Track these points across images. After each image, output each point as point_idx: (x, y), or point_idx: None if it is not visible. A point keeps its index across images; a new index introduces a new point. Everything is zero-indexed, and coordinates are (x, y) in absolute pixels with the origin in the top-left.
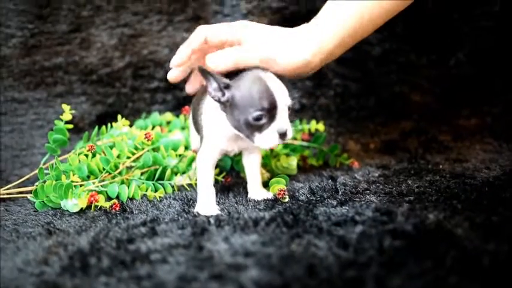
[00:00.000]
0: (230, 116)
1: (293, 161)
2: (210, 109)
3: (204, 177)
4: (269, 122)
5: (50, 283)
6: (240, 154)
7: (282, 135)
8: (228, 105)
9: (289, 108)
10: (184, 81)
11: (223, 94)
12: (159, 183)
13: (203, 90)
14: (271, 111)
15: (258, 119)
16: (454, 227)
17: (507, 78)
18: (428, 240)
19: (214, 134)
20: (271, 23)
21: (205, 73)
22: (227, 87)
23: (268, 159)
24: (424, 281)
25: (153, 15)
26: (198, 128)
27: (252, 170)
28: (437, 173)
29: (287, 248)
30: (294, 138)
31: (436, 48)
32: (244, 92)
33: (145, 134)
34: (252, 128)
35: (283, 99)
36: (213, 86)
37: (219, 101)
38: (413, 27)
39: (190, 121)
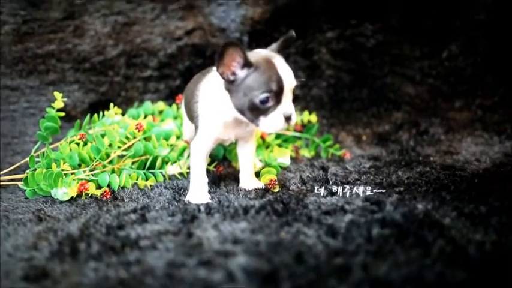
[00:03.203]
0: (235, 96)
1: (287, 157)
2: (207, 95)
3: (198, 166)
4: (275, 105)
5: (39, 268)
6: (233, 143)
7: (287, 119)
8: (235, 85)
9: (292, 92)
10: (177, 70)
11: (234, 73)
12: (150, 172)
13: (198, 77)
14: (278, 95)
15: (264, 101)
16: (442, 217)
17: (499, 72)
18: (416, 229)
19: (211, 120)
20: (265, 13)
21: (232, 45)
22: (246, 65)
23: (261, 149)
24: (410, 269)
25: (147, 4)
26: (191, 117)
27: (246, 160)
28: (427, 165)
29: (276, 236)
30: (287, 129)
31: (429, 41)
32: (254, 74)
33: (137, 125)
34: (258, 111)
35: (290, 81)
36: (234, 60)
37: (228, 79)
38: (408, 20)
39: (183, 111)
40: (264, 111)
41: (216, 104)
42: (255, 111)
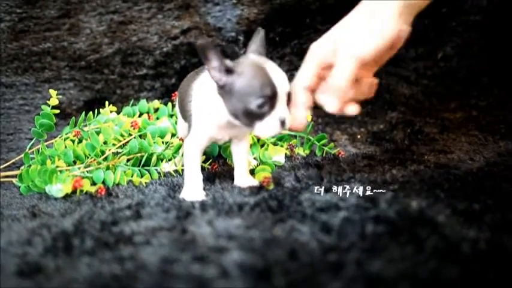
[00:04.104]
0: (228, 102)
1: (281, 156)
2: (200, 95)
3: (192, 163)
4: (270, 109)
5: (33, 263)
6: (228, 141)
7: (282, 123)
8: (226, 91)
9: (288, 96)
10: (173, 69)
11: (221, 78)
12: (145, 169)
13: (192, 76)
14: (272, 99)
15: (260, 106)
16: (435, 214)
17: (493, 72)
18: (410, 227)
19: (204, 121)
20: (261, 13)
21: (206, 49)
22: (229, 71)
23: (256, 148)
24: (403, 266)
25: (143, 3)
26: (185, 116)
27: (240, 157)
28: (421, 164)
29: (270, 232)
30: None
31: (424, 42)
32: (245, 80)
33: (132, 122)
34: (253, 116)
35: (283, 86)
36: (213, 65)
37: (217, 83)
38: None
39: (177, 108)
40: (260, 116)
41: (209, 106)
42: (250, 116)
